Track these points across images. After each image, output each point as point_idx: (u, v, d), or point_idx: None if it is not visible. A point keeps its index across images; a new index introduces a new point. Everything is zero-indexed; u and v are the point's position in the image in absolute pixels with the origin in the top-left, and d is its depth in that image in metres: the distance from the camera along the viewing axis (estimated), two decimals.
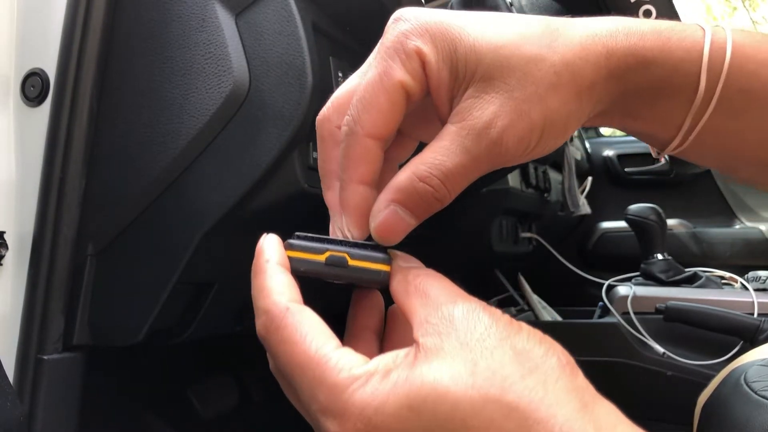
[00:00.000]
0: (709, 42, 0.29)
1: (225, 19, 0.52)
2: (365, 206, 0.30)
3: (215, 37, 0.51)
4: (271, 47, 0.51)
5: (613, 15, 0.30)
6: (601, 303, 1.16)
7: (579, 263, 1.37)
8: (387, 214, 0.29)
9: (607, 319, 1.11)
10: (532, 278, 1.40)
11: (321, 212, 0.56)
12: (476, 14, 0.30)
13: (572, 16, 0.30)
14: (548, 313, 1.31)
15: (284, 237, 0.29)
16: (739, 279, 1.18)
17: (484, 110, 0.28)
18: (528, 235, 1.38)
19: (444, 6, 0.75)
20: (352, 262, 0.29)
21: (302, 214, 0.57)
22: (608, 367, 1.06)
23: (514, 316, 1.33)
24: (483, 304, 0.26)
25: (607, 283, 1.18)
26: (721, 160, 0.34)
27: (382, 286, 0.29)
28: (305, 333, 0.25)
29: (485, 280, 1.38)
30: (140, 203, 0.53)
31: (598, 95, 0.30)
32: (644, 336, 1.06)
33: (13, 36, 0.57)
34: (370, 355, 0.26)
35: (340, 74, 0.57)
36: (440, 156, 0.28)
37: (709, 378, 0.66)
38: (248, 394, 1.01)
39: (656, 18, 0.61)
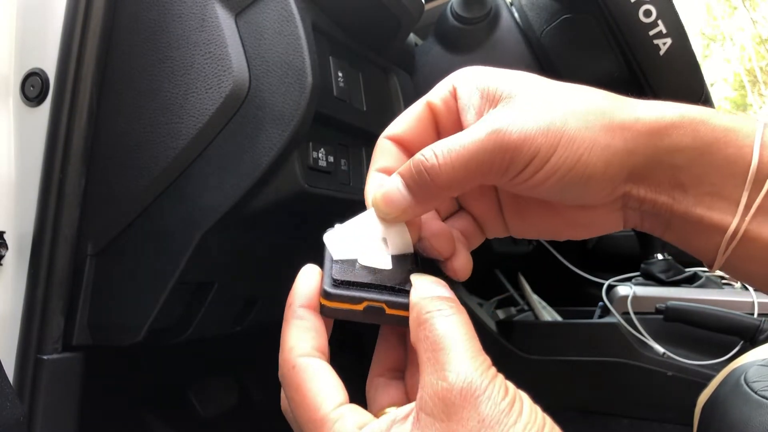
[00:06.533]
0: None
1: (225, 19, 0.52)
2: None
3: (215, 37, 0.51)
4: (271, 47, 0.51)
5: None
6: (601, 303, 1.16)
7: (579, 263, 1.37)
8: (389, 184, 0.31)
9: (607, 319, 1.11)
10: (532, 278, 1.40)
11: (321, 212, 0.56)
12: (531, 78, 0.31)
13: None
14: (548, 313, 1.31)
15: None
16: None
17: (506, 115, 0.29)
18: None
19: (444, 5, 0.75)
20: (389, 311, 0.29)
21: (302, 214, 0.57)
22: (608, 367, 1.06)
23: (514, 315, 1.33)
24: (494, 384, 0.24)
25: (607, 283, 1.18)
26: None
27: None
28: (305, 393, 0.27)
29: (485, 280, 1.38)
30: (140, 203, 0.53)
31: (634, 140, 0.28)
32: (644, 336, 1.06)
33: (12, 36, 0.57)
34: (394, 363, 0.30)
35: (340, 74, 0.57)
36: (448, 141, 0.30)
37: (709, 378, 0.66)
38: (248, 393, 1.01)
39: (656, 17, 0.60)
